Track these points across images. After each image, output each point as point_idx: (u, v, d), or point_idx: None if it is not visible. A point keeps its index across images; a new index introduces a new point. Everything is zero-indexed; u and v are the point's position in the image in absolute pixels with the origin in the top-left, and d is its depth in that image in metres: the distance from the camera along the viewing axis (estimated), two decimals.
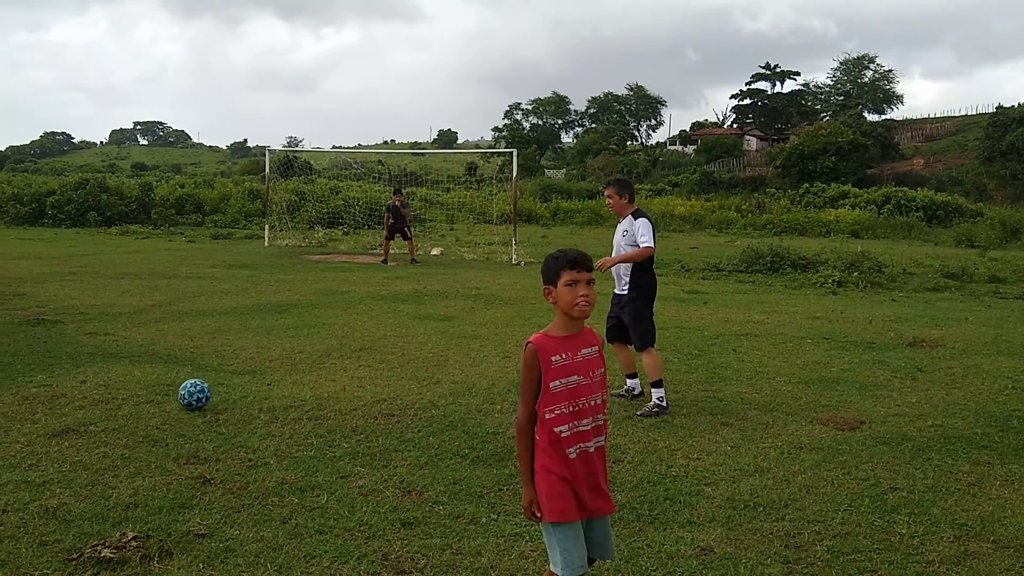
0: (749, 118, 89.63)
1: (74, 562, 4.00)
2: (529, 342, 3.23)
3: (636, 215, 7.38)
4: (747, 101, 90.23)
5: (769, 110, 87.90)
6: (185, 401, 6.68)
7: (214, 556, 4.10)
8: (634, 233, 7.28)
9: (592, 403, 3.27)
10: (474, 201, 33.14)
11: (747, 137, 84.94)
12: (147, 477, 5.18)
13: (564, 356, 3.22)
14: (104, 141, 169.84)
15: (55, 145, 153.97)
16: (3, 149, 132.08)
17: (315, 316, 11.59)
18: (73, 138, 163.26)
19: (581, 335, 3.31)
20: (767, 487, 5.25)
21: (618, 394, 7.52)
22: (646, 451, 5.96)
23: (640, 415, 6.96)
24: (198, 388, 6.72)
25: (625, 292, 7.45)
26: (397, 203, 20.74)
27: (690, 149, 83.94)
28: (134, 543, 4.16)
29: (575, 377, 3.22)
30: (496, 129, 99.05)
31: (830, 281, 16.54)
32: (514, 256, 21.70)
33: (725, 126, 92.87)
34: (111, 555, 4.04)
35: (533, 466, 3.24)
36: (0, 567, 3.94)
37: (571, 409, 3.21)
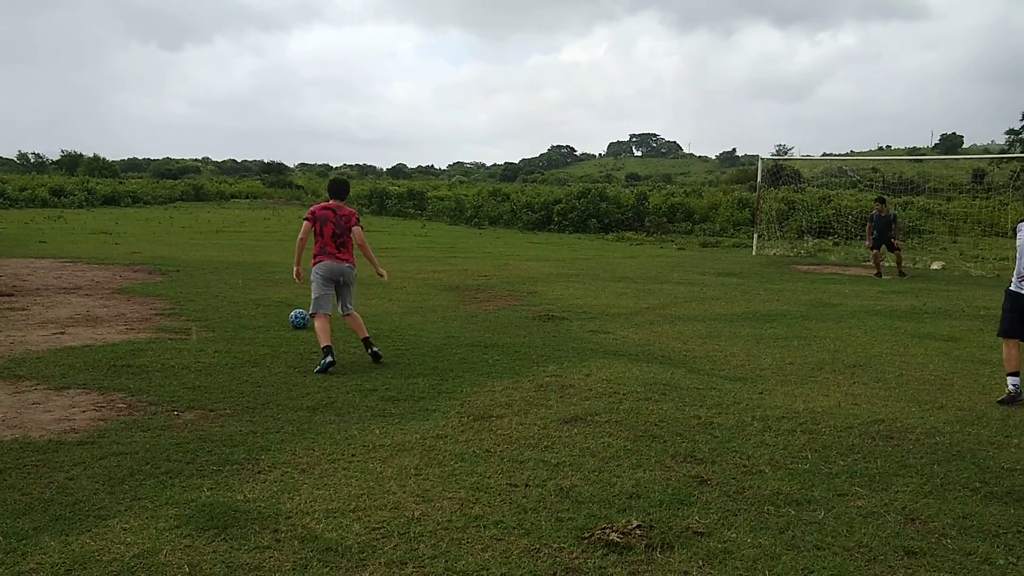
0: None
1: (586, 540, 4.35)
2: None
3: None
4: None
5: None
6: (293, 322, 10.41)
7: (712, 556, 4.22)
8: None
9: None
10: (981, 212, 30.15)
11: None
12: (647, 470, 5.48)
13: None
14: (602, 153, 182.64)
15: (560, 157, 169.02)
16: (517, 161, 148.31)
17: (805, 328, 11.38)
18: (575, 150, 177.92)
19: None
20: None
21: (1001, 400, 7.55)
22: None
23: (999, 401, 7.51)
24: (300, 313, 10.33)
25: None
26: (878, 212, 19.63)
27: None
28: (638, 531, 4.42)
29: None
30: (1011, 132, 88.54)
31: None
32: None
33: None
34: (618, 539, 4.34)
35: None
36: (526, 535, 4.43)
37: None
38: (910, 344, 10.30)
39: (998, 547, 4.42)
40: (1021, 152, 62.38)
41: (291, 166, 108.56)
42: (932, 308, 13.67)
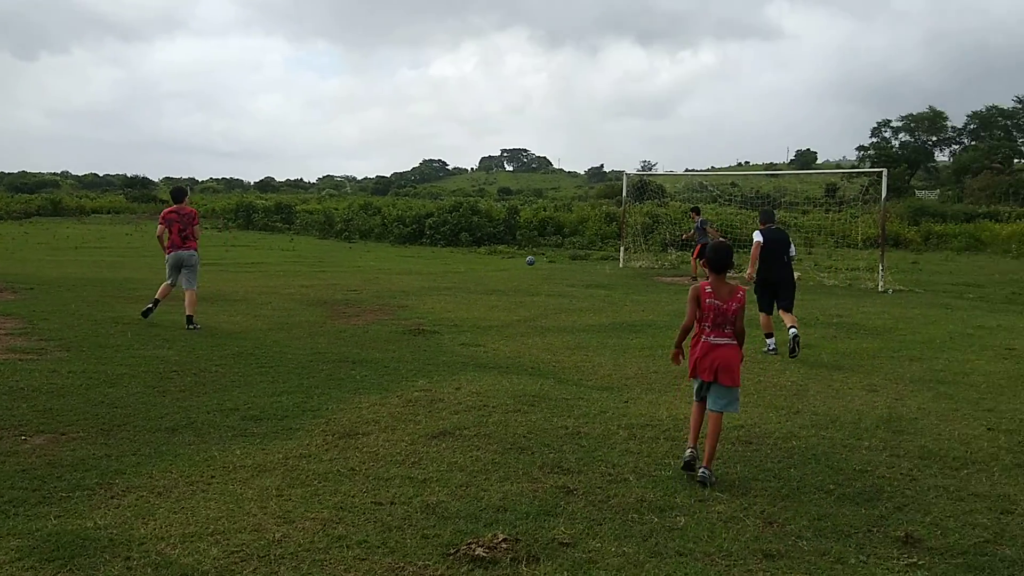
0: None
1: (451, 557, 4.31)
2: None
3: None
4: None
5: None
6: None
7: (577, 566, 4.24)
8: None
9: None
10: (834, 224, 31.59)
11: None
12: (515, 483, 5.47)
13: None
14: (474, 168, 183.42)
15: (432, 171, 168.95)
16: (388, 175, 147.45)
17: (668, 337, 11.58)
18: (447, 165, 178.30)
19: None
20: None
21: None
22: None
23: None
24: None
25: None
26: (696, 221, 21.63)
27: None
28: (504, 545, 4.40)
29: None
30: (861, 148, 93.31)
31: None
32: (881, 283, 20.42)
33: None
34: (484, 554, 4.30)
35: None
36: (390, 554, 4.34)
37: None
38: (768, 352, 10.67)
39: (850, 547, 4.60)
40: (871, 167, 65.82)
41: (155, 180, 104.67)
42: None
